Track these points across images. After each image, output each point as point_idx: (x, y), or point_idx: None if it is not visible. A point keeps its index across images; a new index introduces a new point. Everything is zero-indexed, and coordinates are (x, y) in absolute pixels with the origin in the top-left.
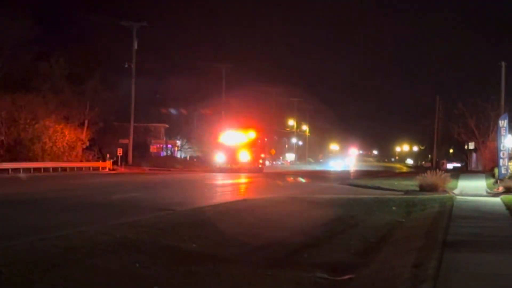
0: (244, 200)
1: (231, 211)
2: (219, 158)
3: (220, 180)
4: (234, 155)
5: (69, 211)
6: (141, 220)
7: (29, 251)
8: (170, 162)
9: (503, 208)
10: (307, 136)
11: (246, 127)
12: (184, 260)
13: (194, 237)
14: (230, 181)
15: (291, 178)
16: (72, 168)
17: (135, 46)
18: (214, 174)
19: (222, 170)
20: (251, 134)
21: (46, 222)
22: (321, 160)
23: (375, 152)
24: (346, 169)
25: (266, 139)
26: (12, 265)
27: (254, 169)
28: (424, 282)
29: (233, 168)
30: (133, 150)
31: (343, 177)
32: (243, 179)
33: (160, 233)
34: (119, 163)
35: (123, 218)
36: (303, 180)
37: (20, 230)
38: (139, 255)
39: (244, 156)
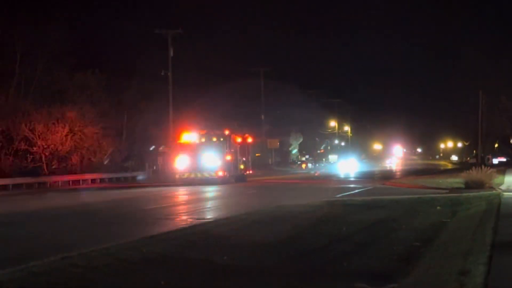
0: (279, 206)
1: (266, 219)
2: (180, 165)
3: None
4: (199, 160)
5: (100, 225)
6: (171, 232)
7: (47, 272)
8: None
9: None
10: (349, 136)
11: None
12: (214, 275)
13: (226, 249)
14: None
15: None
16: (110, 179)
17: (171, 53)
18: (163, 189)
19: (181, 182)
20: (225, 132)
21: (73, 238)
22: (363, 160)
23: (419, 150)
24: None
25: (249, 138)
26: None
27: (228, 179)
28: None
29: (198, 178)
30: None
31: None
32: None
33: (190, 245)
34: (159, 173)
35: (155, 230)
36: None
37: (44, 248)
38: (166, 271)
39: (214, 161)
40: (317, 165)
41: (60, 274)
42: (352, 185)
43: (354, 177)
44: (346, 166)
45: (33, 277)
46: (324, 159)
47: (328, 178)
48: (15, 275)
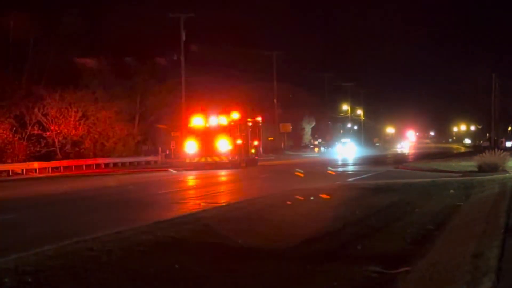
0: (291, 190)
1: (279, 203)
2: (189, 149)
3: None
4: (209, 144)
5: (114, 209)
6: (185, 216)
7: (62, 255)
8: None
9: None
10: (362, 120)
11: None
12: (228, 259)
13: (240, 232)
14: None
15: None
16: (123, 163)
17: (183, 37)
18: (175, 173)
19: (192, 166)
20: (235, 115)
21: (85, 222)
22: (377, 144)
23: (431, 133)
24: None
25: (260, 122)
26: (43, 272)
27: (238, 163)
28: (486, 274)
29: (208, 163)
30: None
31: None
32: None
33: (204, 229)
34: (172, 157)
35: (168, 214)
36: None
37: (57, 232)
38: (180, 255)
39: (224, 145)
40: (329, 149)
41: (75, 257)
42: (364, 169)
43: (366, 161)
44: (344, 150)
45: (48, 261)
46: (336, 143)
47: (340, 162)
48: (30, 258)
